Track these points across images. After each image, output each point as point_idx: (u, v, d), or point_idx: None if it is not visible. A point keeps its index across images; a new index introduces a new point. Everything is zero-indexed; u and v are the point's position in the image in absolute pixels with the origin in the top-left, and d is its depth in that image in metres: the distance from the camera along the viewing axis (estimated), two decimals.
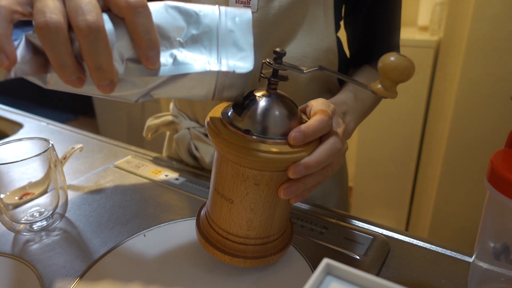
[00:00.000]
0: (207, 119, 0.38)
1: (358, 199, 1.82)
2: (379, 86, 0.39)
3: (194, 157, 0.70)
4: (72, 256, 0.47)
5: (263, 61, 0.37)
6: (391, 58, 0.37)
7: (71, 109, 3.46)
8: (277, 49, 0.36)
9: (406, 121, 1.58)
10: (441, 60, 1.47)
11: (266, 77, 0.37)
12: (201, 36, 0.34)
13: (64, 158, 0.61)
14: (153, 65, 0.31)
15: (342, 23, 0.62)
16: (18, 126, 0.90)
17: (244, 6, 0.54)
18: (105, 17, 0.30)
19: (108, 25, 0.30)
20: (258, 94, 0.38)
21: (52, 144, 0.50)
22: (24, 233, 0.51)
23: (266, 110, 0.37)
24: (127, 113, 2.37)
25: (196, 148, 0.66)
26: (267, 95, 0.37)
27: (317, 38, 0.56)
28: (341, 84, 0.62)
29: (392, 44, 0.62)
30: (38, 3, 0.29)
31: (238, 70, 0.34)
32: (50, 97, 3.53)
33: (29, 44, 0.31)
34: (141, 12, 0.29)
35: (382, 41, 0.61)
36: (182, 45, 0.33)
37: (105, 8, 0.31)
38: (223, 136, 0.36)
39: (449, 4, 1.42)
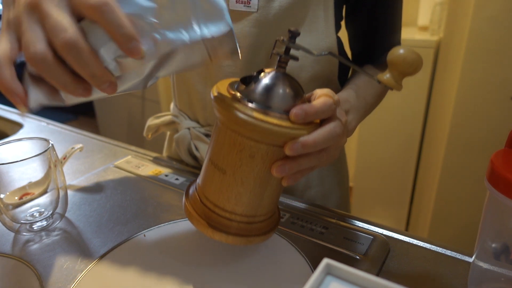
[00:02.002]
0: (214, 87, 0.39)
1: (358, 199, 1.82)
2: (387, 76, 0.39)
3: (194, 157, 0.70)
4: (72, 256, 0.47)
5: (277, 38, 0.38)
6: (400, 50, 0.37)
7: (71, 109, 3.45)
8: (291, 28, 0.37)
9: (406, 121, 1.58)
10: (441, 60, 1.47)
11: (278, 53, 0.38)
12: (174, 10, 0.34)
13: (64, 158, 0.61)
14: (137, 55, 0.32)
15: (343, 23, 0.62)
16: (18, 126, 0.90)
17: (244, 6, 0.54)
18: (84, 26, 0.32)
19: (88, 33, 0.32)
20: (267, 70, 0.38)
21: (52, 144, 0.50)
22: (24, 233, 0.51)
23: (272, 85, 0.37)
24: (127, 113, 2.37)
25: (196, 148, 0.66)
26: (276, 72, 0.38)
27: (318, 38, 0.56)
28: (342, 84, 0.62)
29: (393, 43, 0.62)
30: (23, 38, 0.31)
31: (216, 34, 0.35)
32: None
33: (33, 76, 0.34)
34: (106, 10, 0.30)
35: (383, 40, 0.61)
36: (158, 24, 0.33)
37: (79, 18, 0.32)
38: (227, 102, 0.36)
39: (449, 4, 1.42)
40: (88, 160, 0.72)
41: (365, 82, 0.58)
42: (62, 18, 0.30)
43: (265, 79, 0.37)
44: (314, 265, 0.44)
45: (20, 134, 0.85)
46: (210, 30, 0.35)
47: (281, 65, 0.38)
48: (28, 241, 0.50)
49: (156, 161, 0.71)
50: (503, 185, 0.32)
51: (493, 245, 0.37)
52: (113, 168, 0.68)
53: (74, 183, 0.64)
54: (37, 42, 0.30)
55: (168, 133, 0.79)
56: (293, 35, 0.37)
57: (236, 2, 0.54)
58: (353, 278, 0.26)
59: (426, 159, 1.60)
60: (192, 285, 0.42)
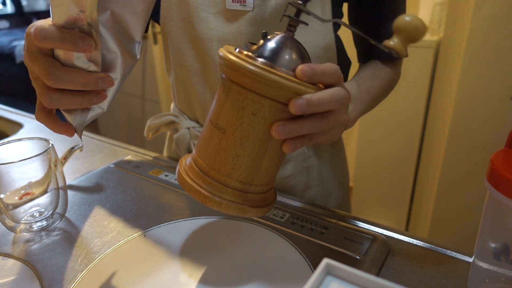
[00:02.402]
0: (221, 48, 0.39)
1: (358, 199, 1.82)
2: (394, 41, 0.40)
3: None
4: (72, 256, 0.47)
5: (289, 2, 0.38)
6: (406, 17, 0.39)
7: None
8: None
9: (406, 121, 1.58)
10: (441, 60, 1.47)
11: (288, 15, 0.38)
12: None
13: (64, 158, 0.61)
14: (90, 47, 0.36)
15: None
16: (18, 126, 0.90)
17: (240, 5, 0.54)
18: (56, 55, 0.38)
19: (61, 59, 0.38)
20: (277, 32, 0.38)
21: (52, 144, 0.50)
22: (24, 233, 0.51)
23: (281, 43, 0.37)
24: (127, 113, 2.37)
25: None
26: (285, 34, 0.38)
27: (315, 36, 0.56)
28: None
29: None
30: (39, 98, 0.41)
31: None
32: None
33: (64, 110, 0.43)
34: (38, 32, 0.36)
35: (387, 36, 0.61)
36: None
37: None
38: (234, 54, 0.36)
39: (449, 4, 1.42)
40: (88, 160, 0.72)
41: (369, 75, 0.58)
42: (39, 67, 0.37)
43: (274, 39, 0.37)
44: (314, 265, 0.44)
45: (20, 134, 0.85)
46: None
47: (290, 29, 0.38)
48: (28, 241, 0.50)
49: (156, 161, 0.71)
50: (503, 185, 0.32)
51: (493, 245, 0.37)
52: (113, 168, 0.68)
53: (74, 183, 0.64)
54: (38, 94, 0.40)
55: (169, 133, 0.79)
56: None
57: (233, 1, 0.54)
58: (353, 278, 0.26)
59: (426, 159, 1.60)
60: (192, 285, 0.42)
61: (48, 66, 0.37)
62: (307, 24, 0.38)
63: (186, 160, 0.43)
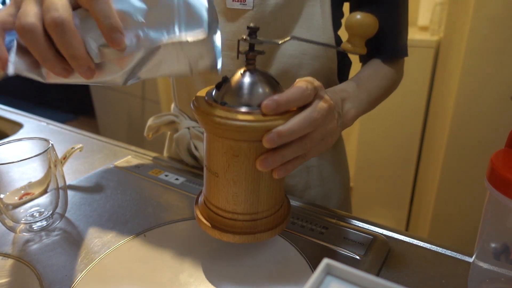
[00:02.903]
0: (194, 97, 0.41)
1: (358, 199, 1.82)
2: (351, 44, 0.42)
3: (194, 157, 0.70)
4: (72, 256, 0.47)
5: (238, 38, 0.39)
6: (357, 16, 0.40)
7: (71, 109, 3.45)
8: (250, 24, 0.38)
9: (406, 121, 1.58)
10: (441, 60, 1.47)
11: (243, 52, 0.39)
12: (160, 13, 0.36)
13: (64, 158, 0.61)
14: (118, 46, 0.35)
15: (344, 20, 0.62)
16: (18, 126, 0.90)
17: (240, 4, 0.54)
18: (77, 13, 0.35)
19: (79, 19, 0.35)
20: (238, 70, 0.40)
21: (52, 144, 0.50)
22: (24, 233, 0.51)
23: (243, 83, 0.38)
24: (127, 113, 2.37)
25: (196, 148, 0.66)
26: (245, 70, 0.39)
27: (315, 35, 0.56)
28: (342, 81, 0.62)
29: (399, 39, 0.61)
30: (20, 11, 0.34)
31: (190, 39, 0.36)
32: (50, 97, 3.53)
33: (20, 46, 0.36)
34: (98, 1, 0.33)
35: (389, 37, 0.60)
36: (144, 24, 0.36)
37: (77, 6, 0.35)
38: (201, 109, 0.38)
39: (449, 4, 1.42)
40: (88, 160, 0.72)
41: (369, 74, 0.58)
42: (58, 1, 0.33)
43: (235, 79, 0.39)
44: (314, 265, 0.44)
45: (20, 134, 0.85)
46: (188, 34, 0.37)
47: (249, 62, 0.39)
48: (28, 241, 0.50)
49: (156, 161, 0.71)
50: (503, 185, 0.32)
51: (493, 245, 0.37)
52: (113, 168, 0.68)
53: (74, 183, 0.64)
54: (29, 15, 0.33)
55: (169, 133, 0.79)
56: (253, 30, 0.38)
57: (233, 0, 0.54)
58: (353, 278, 0.26)
59: (426, 159, 1.60)
60: (192, 285, 0.42)
61: (64, 11, 0.33)
62: (263, 54, 0.39)
63: (199, 198, 0.46)
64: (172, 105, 0.76)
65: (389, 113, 1.58)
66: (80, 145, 0.63)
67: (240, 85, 0.38)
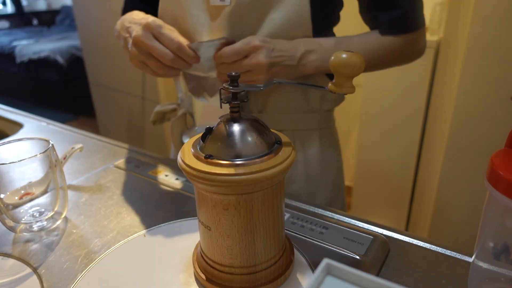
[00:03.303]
0: (180, 150, 0.39)
1: (358, 199, 1.82)
2: (337, 86, 0.38)
3: None
4: (72, 256, 0.47)
5: (220, 87, 0.38)
6: (343, 55, 0.36)
7: (71, 109, 3.45)
8: (232, 72, 0.37)
9: (406, 121, 1.58)
10: (441, 60, 1.47)
11: (226, 102, 0.38)
12: None
13: (64, 158, 0.61)
14: (195, 59, 0.56)
15: (342, 12, 0.64)
16: (18, 126, 0.90)
17: (219, 1, 0.57)
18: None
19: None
20: (222, 119, 0.38)
21: (52, 144, 0.50)
22: (24, 233, 0.51)
23: (227, 134, 0.37)
24: (127, 113, 2.37)
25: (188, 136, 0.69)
26: (230, 119, 0.38)
27: (288, 11, 0.57)
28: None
29: (395, 9, 0.60)
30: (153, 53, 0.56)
31: None
32: (50, 97, 3.53)
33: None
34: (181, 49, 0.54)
35: (385, 7, 0.60)
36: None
37: None
38: (186, 162, 0.36)
39: (449, 4, 1.42)
40: (88, 160, 0.72)
41: (357, 38, 0.61)
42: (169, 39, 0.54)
43: (220, 129, 0.37)
44: (314, 265, 0.44)
45: (20, 134, 0.85)
46: None
47: (233, 110, 0.38)
48: (28, 241, 0.50)
49: (156, 161, 0.71)
50: (503, 185, 0.32)
51: (493, 245, 0.37)
52: (113, 168, 0.68)
53: (74, 183, 0.64)
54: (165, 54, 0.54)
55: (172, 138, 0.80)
56: (233, 78, 0.37)
57: None
58: (353, 278, 0.26)
59: (426, 159, 1.60)
60: (192, 285, 0.42)
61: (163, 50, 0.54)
62: (247, 100, 0.38)
63: (197, 251, 0.45)
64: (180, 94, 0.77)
65: (389, 113, 1.58)
66: (80, 145, 0.63)
67: (224, 136, 0.37)
